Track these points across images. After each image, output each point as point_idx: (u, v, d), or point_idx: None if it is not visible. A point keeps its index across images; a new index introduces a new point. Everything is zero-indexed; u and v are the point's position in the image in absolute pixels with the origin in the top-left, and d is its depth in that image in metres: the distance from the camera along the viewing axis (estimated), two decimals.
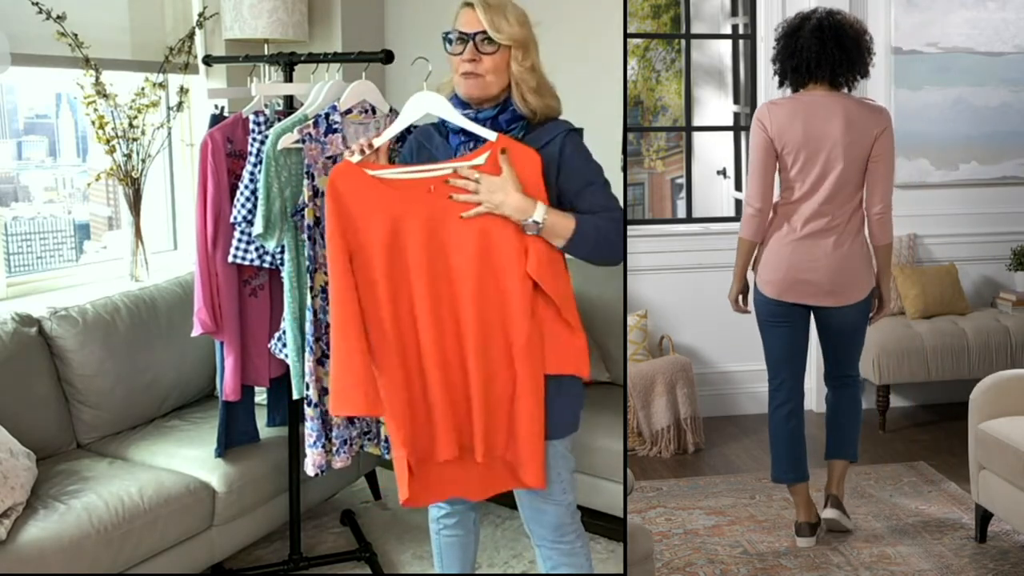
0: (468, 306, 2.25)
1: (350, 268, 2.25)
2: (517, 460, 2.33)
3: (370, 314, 2.28)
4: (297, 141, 2.77)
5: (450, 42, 2.28)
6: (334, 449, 2.90)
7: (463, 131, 2.31)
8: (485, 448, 2.32)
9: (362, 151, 2.31)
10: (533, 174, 2.23)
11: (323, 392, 2.84)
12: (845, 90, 3.38)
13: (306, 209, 2.77)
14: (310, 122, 2.78)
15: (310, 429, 2.86)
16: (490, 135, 2.26)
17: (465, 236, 2.24)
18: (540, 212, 2.20)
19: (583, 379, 2.43)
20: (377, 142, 2.34)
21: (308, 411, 2.84)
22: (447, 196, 2.24)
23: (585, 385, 2.45)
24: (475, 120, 2.29)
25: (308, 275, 2.82)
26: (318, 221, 2.79)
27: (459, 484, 2.41)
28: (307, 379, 2.83)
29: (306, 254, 2.81)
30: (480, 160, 2.24)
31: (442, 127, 2.38)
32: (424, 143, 2.40)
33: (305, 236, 2.79)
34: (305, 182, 2.76)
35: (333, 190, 2.26)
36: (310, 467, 2.88)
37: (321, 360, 2.85)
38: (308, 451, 2.88)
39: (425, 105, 2.35)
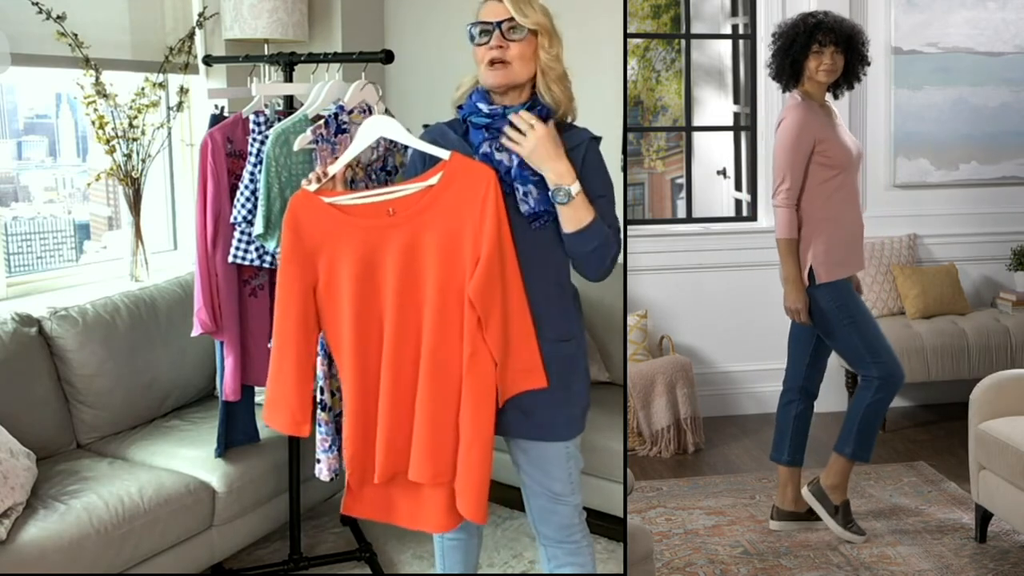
0: (429, 326, 2.24)
1: (297, 295, 2.28)
2: (458, 487, 2.29)
3: (334, 340, 2.31)
4: (311, 142, 2.76)
5: (474, 35, 2.26)
6: None
7: (487, 127, 2.29)
8: (429, 474, 2.27)
9: (319, 179, 2.32)
10: (483, 189, 2.20)
11: (336, 395, 2.82)
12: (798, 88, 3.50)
13: None
14: (321, 122, 2.77)
15: (324, 433, 2.81)
16: (443, 154, 2.26)
17: (429, 255, 2.23)
18: (577, 186, 2.20)
19: (588, 380, 2.43)
20: (332, 170, 2.34)
21: (321, 415, 2.79)
22: (408, 217, 2.23)
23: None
24: (502, 116, 2.26)
25: None
26: None
27: (399, 510, 2.39)
28: (320, 383, 2.80)
29: None
30: (433, 180, 2.24)
31: (458, 124, 2.36)
32: (439, 141, 2.35)
33: None
34: None
35: (293, 220, 2.27)
36: (325, 472, 2.83)
37: (332, 363, 2.82)
38: (321, 456, 2.83)
39: (378, 130, 2.37)
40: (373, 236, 2.25)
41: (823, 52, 3.38)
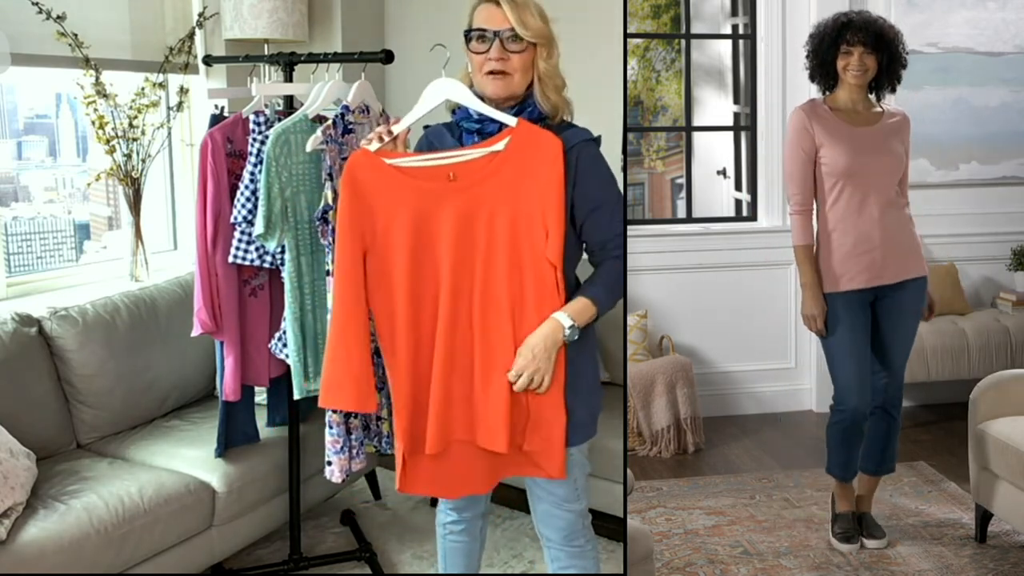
0: (488, 295, 2.21)
1: (358, 260, 2.22)
2: (536, 449, 2.29)
3: (383, 304, 2.24)
4: (322, 142, 2.74)
5: (473, 40, 2.22)
6: (354, 452, 2.86)
7: (478, 132, 2.28)
8: (505, 441, 2.26)
9: (380, 139, 2.26)
10: (551, 158, 2.19)
11: None
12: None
13: (330, 212, 2.64)
14: (330, 123, 2.76)
15: (336, 435, 2.77)
16: (510, 120, 2.22)
17: (489, 223, 2.20)
18: (568, 320, 2.19)
19: (597, 381, 2.40)
20: (396, 129, 2.28)
21: (333, 417, 2.74)
22: (471, 183, 2.20)
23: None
24: (492, 119, 2.25)
25: (330, 277, 2.69)
26: None
27: (454, 479, 2.37)
28: None
29: (329, 257, 2.68)
30: (499, 146, 2.20)
31: (455, 127, 2.34)
32: (435, 143, 2.35)
33: (329, 240, 2.66)
34: (328, 184, 2.70)
35: (350, 179, 2.21)
36: (336, 474, 2.78)
37: None
38: (333, 458, 2.77)
39: (444, 92, 2.29)
40: (430, 199, 2.20)
41: (851, 52, 3.28)
